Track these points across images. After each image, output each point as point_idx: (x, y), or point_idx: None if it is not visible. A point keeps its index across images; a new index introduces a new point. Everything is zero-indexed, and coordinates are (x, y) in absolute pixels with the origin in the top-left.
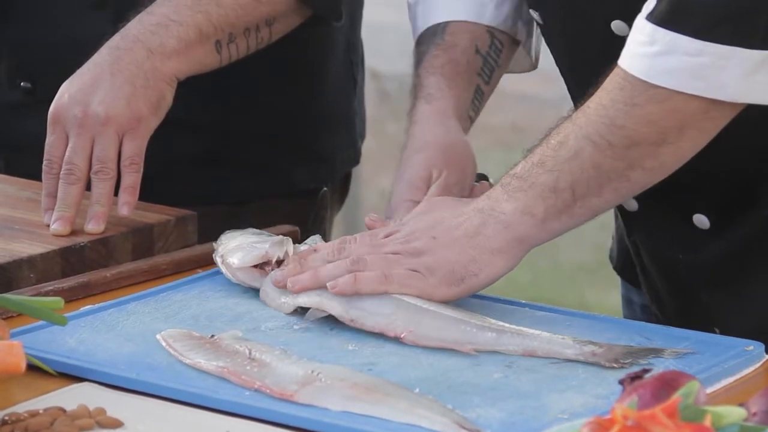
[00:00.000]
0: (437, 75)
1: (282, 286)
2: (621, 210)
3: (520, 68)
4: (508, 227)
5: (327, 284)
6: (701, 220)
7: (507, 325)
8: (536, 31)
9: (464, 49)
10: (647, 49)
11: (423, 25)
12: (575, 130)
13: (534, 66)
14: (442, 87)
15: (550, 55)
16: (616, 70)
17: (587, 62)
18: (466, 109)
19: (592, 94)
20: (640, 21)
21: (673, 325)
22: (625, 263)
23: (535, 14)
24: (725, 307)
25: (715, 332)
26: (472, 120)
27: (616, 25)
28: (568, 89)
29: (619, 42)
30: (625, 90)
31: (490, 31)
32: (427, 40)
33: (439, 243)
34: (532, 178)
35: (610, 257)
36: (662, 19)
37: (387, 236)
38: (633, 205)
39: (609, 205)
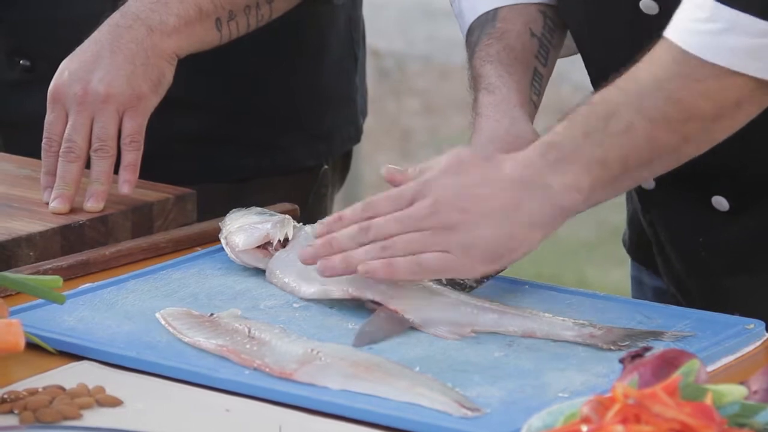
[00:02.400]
0: (494, 63)
1: (311, 263)
2: (637, 188)
3: (567, 51)
4: (553, 202)
5: (359, 269)
6: (720, 202)
7: (508, 306)
8: None
9: (518, 34)
10: (707, 26)
11: (472, 16)
12: (627, 102)
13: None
14: (501, 74)
15: None
16: (666, 44)
17: (613, 42)
18: (528, 94)
19: (629, 66)
20: None
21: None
22: (638, 244)
23: None
24: (747, 290)
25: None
26: (535, 104)
27: (645, 4)
28: (588, 69)
29: (648, 21)
30: (681, 64)
31: (542, 11)
32: (477, 30)
33: (471, 217)
34: (578, 150)
35: (623, 239)
36: None
37: (411, 202)
38: (650, 184)
39: (654, 176)
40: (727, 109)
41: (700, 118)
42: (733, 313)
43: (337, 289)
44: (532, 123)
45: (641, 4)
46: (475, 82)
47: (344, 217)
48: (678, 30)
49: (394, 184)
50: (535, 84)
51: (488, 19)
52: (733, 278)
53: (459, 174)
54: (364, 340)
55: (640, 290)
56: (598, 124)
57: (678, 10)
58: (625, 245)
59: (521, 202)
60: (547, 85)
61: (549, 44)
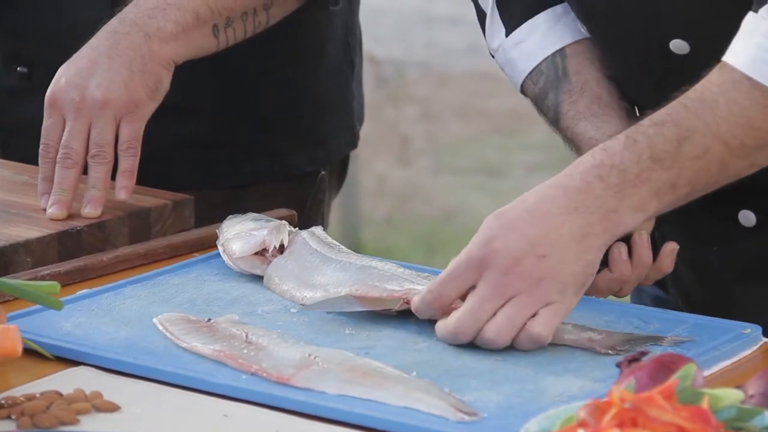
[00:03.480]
0: (588, 118)
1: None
2: None
3: None
4: (618, 225)
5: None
6: (747, 217)
7: None
8: None
9: (598, 82)
10: None
11: (527, 65)
12: (702, 126)
13: None
14: (599, 127)
15: None
16: (738, 72)
17: (640, 78)
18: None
19: (687, 88)
20: (761, 23)
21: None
22: None
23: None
24: (755, 299)
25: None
26: None
27: (676, 44)
28: None
29: (677, 60)
30: (760, 91)
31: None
32: (552, 92)
33: (551, 261)
34: (646, 174)
35: None
36: None
37: (479, 274)
38: None
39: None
40: None
41: None
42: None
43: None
44: None
45: (671, 45)
46: (573, 142)
47: (419, 311)
48: (744, 56)
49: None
50: (631, 123)
51: (558, 76)
52: (743, 287)
53: (510, 229)
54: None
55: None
56: (669, 147)
57: (739, 36)
58: None
59: (587, 229)
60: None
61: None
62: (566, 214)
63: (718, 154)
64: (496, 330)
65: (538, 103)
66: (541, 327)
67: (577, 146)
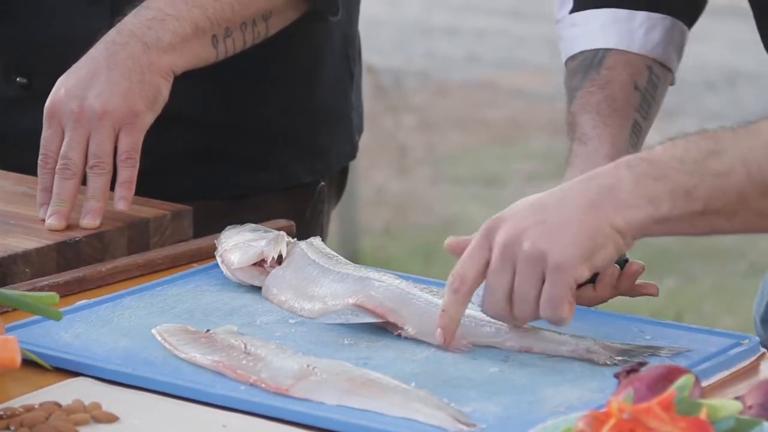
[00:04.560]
0: (592, 113)
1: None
2: None
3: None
4: (628, 207)
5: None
6: None
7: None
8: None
9: (622, 85)
10: None
11: (571, 48)
12: (734, 148)
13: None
14: (597, 125)
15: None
16: None
17: None
18: (624, 147)
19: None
20: None
21: None
22: None
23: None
24: None
25: None
26: None
27: None
28: None
29: None
30: None
31: (649, 65)
32: (581, 73)
33: (551, 226)
34: (667, 171)
35: (755, 322)
36: None
37: (490, 245)
38: None
39: (734, 232)
40: None
41: None
42: None
43: (339, 305)
44: None
45: None
46: (571, 130)
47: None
48: None
49: (458, 252)
50: (633, 137)
51: (593, 63)
52: None
53: (519, 205)
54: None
55: None
56: (698, 155)
57: None
58: (756, 327)
59: (594, 202)
60: (644, 140)
61: (651, 98)
62: (577, 190)
63: (739, 180)
64: (517, 307)
65: (567, 80)
66: (548, 296)
67: (571, 135)
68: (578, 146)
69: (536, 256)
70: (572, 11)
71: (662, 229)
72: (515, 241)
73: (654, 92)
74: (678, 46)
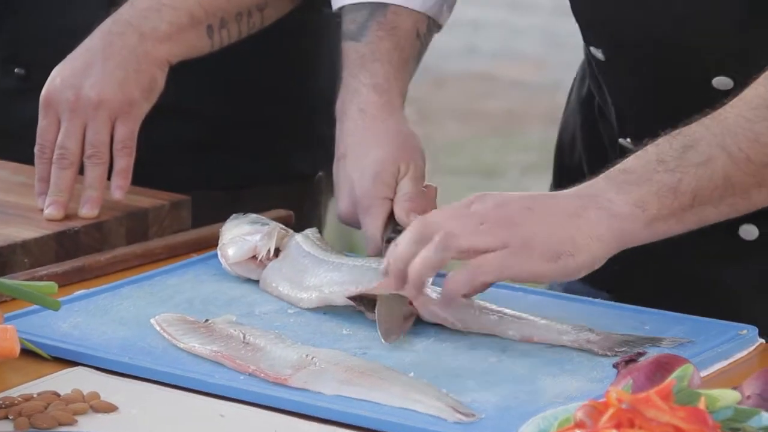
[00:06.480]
0: (385, 64)
1: (395, 285)
2: None
3: None
4: (613, 216)
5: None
6: (749, 231)
7: (507, 309)
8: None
9: (407, 33)
10: None
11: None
12: (708, 136)
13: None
14: (389, 78)
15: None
16: (757, 89)
17: (677, 111)
18: (405, 95)
19: (718, 107)
20: None
21: None
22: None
23: (597, 51)
24: (762, 315)
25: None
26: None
27: (719, 81)
28: (618, 121)
29: (719, 95)
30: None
31: (427, 15)
32: (366, 9)
33: (535, 215)
34: (648, 175)
35: None
36: None
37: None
38: None
39: (718, 219)
40: None
41: None
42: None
43: (337, 295)
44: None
45: (714, 81)
46: (361, 67)
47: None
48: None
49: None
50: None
51: (379, 4)
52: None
53: (512, 195)
54: (392, 335)
55: None
56: (674, 153)
57: None
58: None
59: (581, 211)
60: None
61: (424, 46)
62: (567, 196)
63: (722, 165)
64: (453, 240)
65: (343, 15)
66: (486, 260)
67: (361, 81)
68: (373, 95)
69: (502, 233)
70: None
71: (648, 234)
72: (495, 208)
73: (427, 40)
74: (451, 5)
